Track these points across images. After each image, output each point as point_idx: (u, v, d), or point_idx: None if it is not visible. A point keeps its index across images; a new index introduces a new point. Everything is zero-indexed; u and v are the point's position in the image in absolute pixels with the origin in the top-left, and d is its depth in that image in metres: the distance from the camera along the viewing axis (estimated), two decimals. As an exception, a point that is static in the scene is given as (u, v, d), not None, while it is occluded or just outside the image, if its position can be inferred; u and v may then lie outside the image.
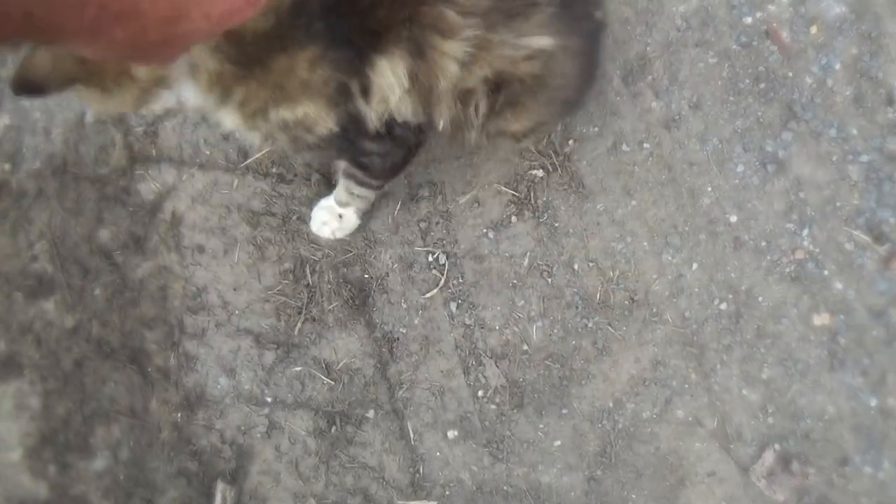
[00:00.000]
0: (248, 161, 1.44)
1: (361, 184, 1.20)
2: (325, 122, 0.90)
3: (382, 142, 1.00)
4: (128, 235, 1.46)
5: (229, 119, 0.92)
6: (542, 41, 0.92)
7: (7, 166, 1.51)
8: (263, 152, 1.45)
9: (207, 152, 1.46)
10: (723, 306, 1.31)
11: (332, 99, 0.88)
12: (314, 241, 1.39)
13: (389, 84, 0.89)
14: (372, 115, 0.93)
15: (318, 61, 0.84)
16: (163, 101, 0.85)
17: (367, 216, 1.38)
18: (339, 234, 1.37)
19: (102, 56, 0.52)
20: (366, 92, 0.89)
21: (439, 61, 0.89)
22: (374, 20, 0.86)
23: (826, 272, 1.29)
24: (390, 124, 0.96)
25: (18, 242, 1.48)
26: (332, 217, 1.34)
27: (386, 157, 1.07)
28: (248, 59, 0.83)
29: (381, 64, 0.87)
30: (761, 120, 1.32)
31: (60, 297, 1.44)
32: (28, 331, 1.42)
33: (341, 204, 1.32)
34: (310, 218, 1.37)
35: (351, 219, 1.35)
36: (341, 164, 1.21)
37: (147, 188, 1.46)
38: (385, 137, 0.98)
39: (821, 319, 1.29)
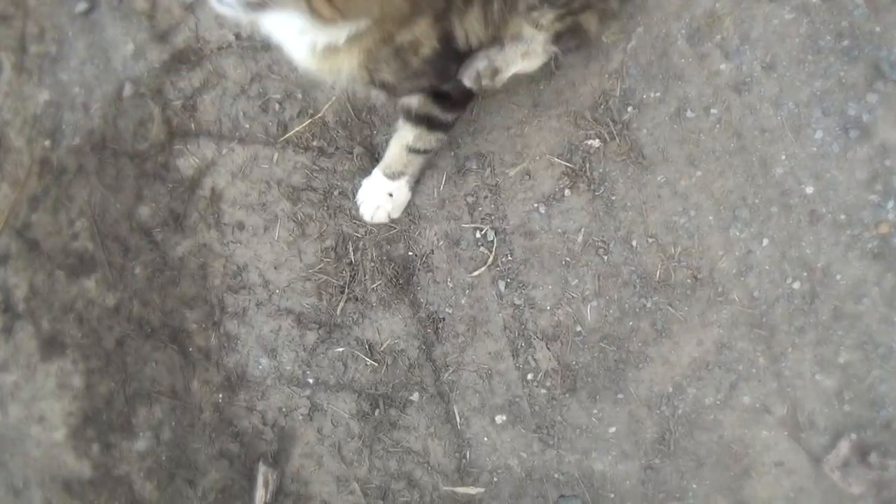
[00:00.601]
0: (289, 134, 1.39)
1: (434, 126, 1.18)
2: (430, 39, 0.96)
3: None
4: (167, 212, 1.42)
5: (347, 62, 0.93)
6: None
7: (47, 143, 1.49)
8: (305, 125, 1.39)
9: (247, 126, 1.41)
10: (796, 285, 1.21)
11: (439, 14, 0.94)
12: (356, 217, 1.33)
13: None
14: (460, 33, 0.99)
15: None
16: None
17: (414, 189, 1.30)
18: (396, 214, 1.32)
19: None
20: (464, 5, 0.96)
21: None
22: None
23: (914, 248, 1.17)
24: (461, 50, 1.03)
25: (59, 220, 1.46)
26: (384, 198, 1.29)
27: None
28: None
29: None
30: (844, 81, 1.20)
31: (101, 275, 1.42)
32: (70, 310, 1.41)
33: (393, 175, 1.27)
34: (358, 204, 1.31)
35: (403, 193, 1.30)
36: (415, 105, 1.16)
37: (186, 163, 1.42)
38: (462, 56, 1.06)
39: (907, 300, 1.17)
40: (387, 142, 1.33)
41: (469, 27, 1.02)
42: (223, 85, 1.42)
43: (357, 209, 1.32)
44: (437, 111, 1.16)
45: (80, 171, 1.47)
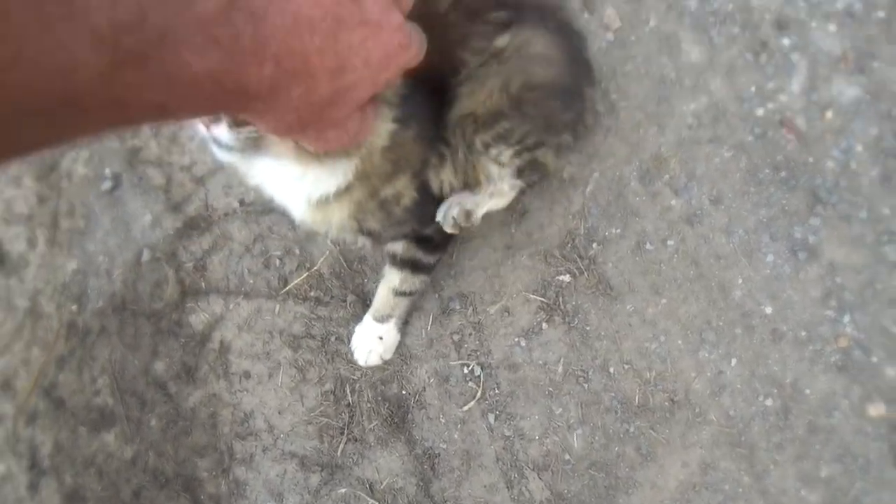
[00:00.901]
0: (289, 287, 1.52)
1: (418, 269, 1.30)
2: (409, 191, 1.07)
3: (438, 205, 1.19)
4: (180, 366, 1.54)
5: (337, 215, 1.05)
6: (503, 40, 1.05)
7: (74, 307, 1.64)
8: (303, 277, 1.52)
9: (251, 281, 1.55)
10: (768, 402, 1.26)
11: (416, 171, 1.06)
12: (352, 360, 1.43)
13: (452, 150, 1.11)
14: (435, 183, 1.13)
15: (417, 140, 1.00)
16: (331, 175, 0.97)
17: (403, 331, 1.41)
18: (388, 356, 1.43)
19: (281, 126, 0.56)
20: (440, 162, 1.10)
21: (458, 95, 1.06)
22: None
23: (875, 359, 1.23)
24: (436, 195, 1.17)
25: (83, 378, 1.59)
26: (375, 341, 1.39)
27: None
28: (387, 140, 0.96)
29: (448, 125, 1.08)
30: (786, 208, 1.30)
31: (120, 429, 1.52)
32: (91, 464, 1.51)
33: (382, 319, 1.38)
34: (352, 351, 1.42)
35: (393, 335, 1.40)
36: (399, 250, 1.28)
37: (197, 319, 1.55)
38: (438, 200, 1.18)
39: (876, 410, 1.22)
40: (376, 288, 1.45)
41: (443, 177, 1.18)
42: (230, 246, 1.57)
43: (352, 354, 1.42)
44: (420, 255, 1.28)
45: (103, 332, 1.61)
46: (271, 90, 0.50)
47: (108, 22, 0.39)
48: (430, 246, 1.29)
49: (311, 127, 0.58)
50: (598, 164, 1.41)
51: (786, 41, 1.34)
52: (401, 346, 1.45)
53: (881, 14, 1.30)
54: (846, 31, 1.32)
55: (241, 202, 1.58)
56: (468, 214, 1.27)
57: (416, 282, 1.33)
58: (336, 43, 0.52)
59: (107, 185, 1.66)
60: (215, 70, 0.45)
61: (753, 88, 1.35)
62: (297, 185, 0.99)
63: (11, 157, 0.41)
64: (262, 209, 1.56)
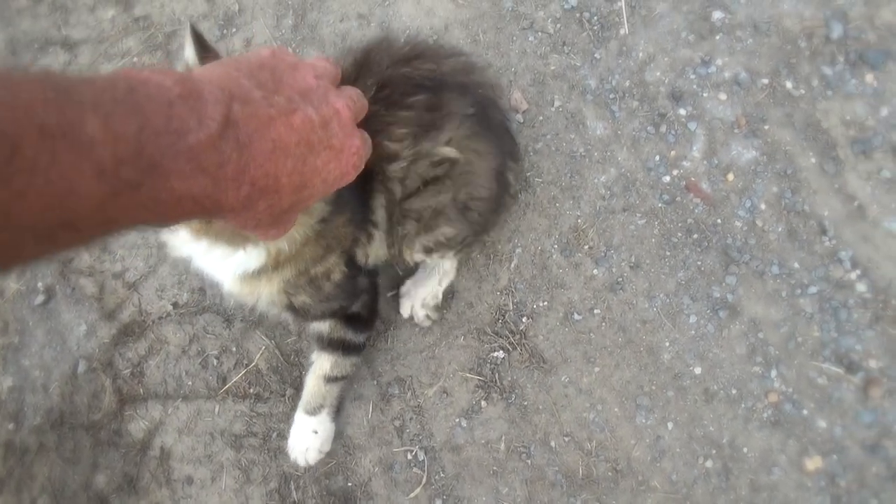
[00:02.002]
0: (227, 385, 1.50)
1: (349, 350, 1.30)
2: (339, 266, 1.12)
3: (366, 278, 1.24)
4: (121, 477, 1.50)
5: (266, 289, 1.07)
6: (451, 151, 1.10)
7: (11, 426, 1.59)
8: (241, 375, 1.50)
9: (189, 383, 1.53)
10: (709, 464, 1.26)
11: (347, 249, 1.12)
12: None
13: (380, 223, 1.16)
14: (361, 257, 1.18)
15: (347, 223, 1.07)
16: (243, 256, 0.98)
17: (341, 420, 1.39)
18: (326, 448, 1.40)
19: (242, 225, 0.60)
20: (367, 240, 1.15)
21: (389, 185, 1.10)
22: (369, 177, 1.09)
23: (805, 412, 1.25)
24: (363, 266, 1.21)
25: (22, 500, 1.53)
26: (310, 437, 1.37)
27: (370, 298, 1.28)
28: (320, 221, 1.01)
29: (376, 209, 1.13)
30: (702, 269, 1.33)
31: (59, 553, 1.46)
32: None
33: (314, 411, 1.36)
34: (289, 454, 1.39)
35: (327, 426, 1.39)
36: (326, 330, 1.29)
37: (137, 427, 1.52)
38: (366, 274, 1.23)
39: (813, 463, 1.23)
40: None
41: (370, 252, 1.22)
42: (166, 349, 1.56)
43: (290, 457, 1.39)
44: (350, 335, 1.29)
45: (41, 449, 1.57)
46: (243, 206, 0.55)
47: (111, 156, 0.42)
48: (359, 324, 1.30)
49: (261, 225, 0.63)
50: (520, 239, 1.44)
51: (682, 111, 1.41)
52: (343, 436, 1.43)
53: (765, 80, 1.38)
54: (736, 99, 1.39)
55: (175, 304, 1.58)
56: (436, 307, 1.38)
57: (347, 365, 1.33)
58: (304, 165, 0.59)
59: (40, 298, 1.65)
60: (198, 194, 0.49)
61: (658, 157, 1.40)
62: (228, 261, 1.01)
63: (11, 268, 0.43)
64: (195, 309, 1.56)
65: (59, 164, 0.39)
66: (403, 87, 1.16)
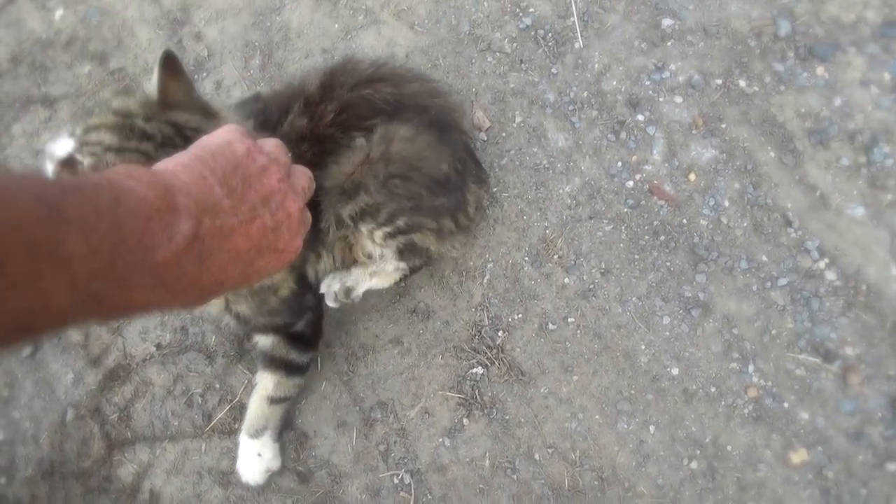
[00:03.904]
0: (213, 422, 1.52)
1: (292, 371, 1.35)
2: (287, 283, 1.18)
3: (313, 296, 1.30)
4: (112, 523, 1.50)
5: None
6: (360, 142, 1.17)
7: (3, 479, 1.61)
8: (225, 411, 1.52)
9: (176, 423, 1.55)
10: (693, 465, 1.26)
11: (296, 266, 1.19)
12: (283, 488, 1.42)
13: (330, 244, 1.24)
14: (311, 273, 1.26)
15: None
16: None
17: (326, 448, 1.40)
18: (274, 466, 1.43)
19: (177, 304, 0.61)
20: (317, 259, 1.25)
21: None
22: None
23: (786, 404, 1.25)
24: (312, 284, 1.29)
25: (15, 554, 1.54)
26: (255, 460, 1.40)
27: (315, 316, 1.34)
28: None
29: (328, 231, 1.22)
30: (671, 269, 1.35)
31: None
32: None
33: (256, 433, 1.40)
34: (239, 474, 1.43)
35: (270, 447, 1.42)
36: (268, 346, 1.34)
37: (126, 471, 1.54)
38: (313, 293, 1.29)
39: (799, 456, 1.23)
40: (298, 410, 1.46)
41: (320, 268, 1.28)
42: (151, 391, 1.58)
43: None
44: (293, 355, 1.33)
45: (34, 501, 1.59)
46: (187, 306, 0.58)
47: (86, 270, 0.43)
48: (302, 344, 1.34)
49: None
50: (490, 254, 1.47)
51: (640, 117, 1.45)
52: (328, 464, 1.44)
53: (719, 81, 1.42)
54: (692, 101, 1.43)
55: (158, 346, 1.61)
56: (348, 291, 1.36)
57: (290, 386, 1.38)
58: (250, 268, 0.62)
59: (27, 350, 1.69)
60: (153, 303, 0.52)
61: (620, 163, 1.44)
62: None
63: None
64: (178, 349, 1.59)
65: (40, 280, 0.40)
66: (363, 110, 1.21)
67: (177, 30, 1.82)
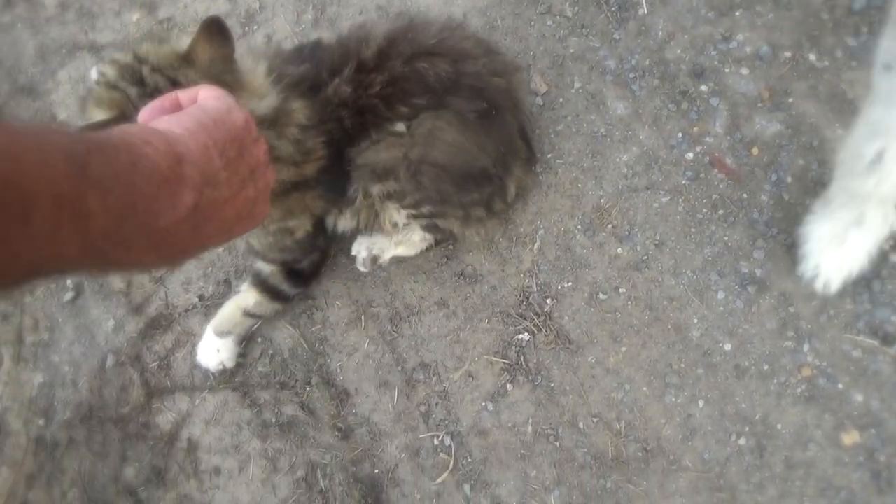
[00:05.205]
0: (254, 375, 1.53)
1: (278, 297, 1.43)
2: (304, 227, 1.28)
3: (325, 239, 1.40)
4: (150, 469, 1.54)
5: None
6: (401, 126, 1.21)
7: (42, 421, 1.65)
8: (266, 364, 1.53)
9: (215, 374, 1.56)
10: (742, 441, 1.26)
11: (316, 214, 1.29)
12: (321, 444, 1.43)
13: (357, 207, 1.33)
14: (330, 222, 1.35)
15: (318, 197, 1.26)
16: None
17: (367, 407, 1.41)
18: (229, 364, 1.51)
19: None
20: (339, 213, 1.34)
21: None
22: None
23: (841, 385, 1.24)
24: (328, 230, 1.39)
25: (53, 494, 1.58)
26: (213, 353, 1.49)
27: (320, 258, 1.43)
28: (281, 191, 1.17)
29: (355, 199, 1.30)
30: (729, 244, 1.34)
31: (91, 543, 1.49)
32: (61, 585, 1.47)
33: (222, 334, 1.48)
34: (197, 356, 1.52)
35: (229, 348, 1.50)
36: (266, 272, 1.41)
37: (164, 419, 1.56)
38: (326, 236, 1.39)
39: (851, 438, 1.22)
40: (340, 368, 1.47)
41: (340, 222, 1.35)
42: (192, 341, 1.60)
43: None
44: (285, 286, 1.41)
45: (71, 444, 1.61)
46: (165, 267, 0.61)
47: (99, 228, 0.46)
48: (298, 279, 1.42)
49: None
50: (542, 221, 1.46)
51: (704, 87, 1.43)
52: (368, 422, 1.46)
53: (787, 54, 1.40)
54: (759, 73, 1.41)
55: (201, 297, 1.62)
56: (374, 259, 1.42)
57: (269, 308, 1.45)
58: (228, 234, 0.64)
59: (69, 295, 1.71)
60: (140, 263, 0.54)
61: (680, 134, 1.42)
62: None
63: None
64: (221, 301, 1.59)
65: (59, 232, 0.42)
66: (412, 85, 1.20)
67: (229, -20, 1.81)
